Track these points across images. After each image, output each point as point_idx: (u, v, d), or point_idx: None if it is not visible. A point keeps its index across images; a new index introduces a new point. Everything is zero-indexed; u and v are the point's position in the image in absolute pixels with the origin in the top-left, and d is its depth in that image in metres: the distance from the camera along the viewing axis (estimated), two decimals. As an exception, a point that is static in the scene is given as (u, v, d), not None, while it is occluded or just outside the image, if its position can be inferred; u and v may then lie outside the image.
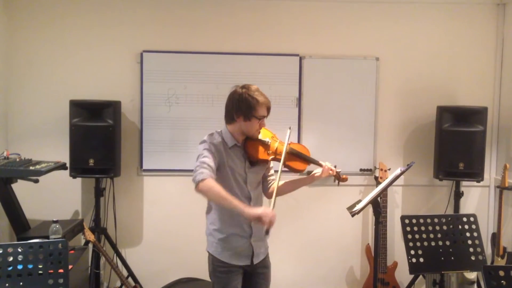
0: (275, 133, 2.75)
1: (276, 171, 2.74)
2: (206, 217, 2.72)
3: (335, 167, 2.73)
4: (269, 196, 2.78)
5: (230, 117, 2.60)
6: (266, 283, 2.76)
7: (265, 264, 2.74)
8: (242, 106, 2.52)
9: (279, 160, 2.63)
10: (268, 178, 2.80)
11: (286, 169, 2.69)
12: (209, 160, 2.47)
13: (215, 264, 2.63)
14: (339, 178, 2.76)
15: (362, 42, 4.19)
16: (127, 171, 4.08)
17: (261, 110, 2.54)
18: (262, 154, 2.63)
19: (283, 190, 2.77)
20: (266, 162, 2.69)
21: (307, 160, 2.72)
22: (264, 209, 2.36)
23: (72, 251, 3.29)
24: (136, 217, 4.17)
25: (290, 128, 2.71)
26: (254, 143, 2.64)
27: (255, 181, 2.68)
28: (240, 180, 2.60)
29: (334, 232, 4.25)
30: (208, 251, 2.69)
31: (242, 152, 2.63)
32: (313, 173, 2.74)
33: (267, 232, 2.40)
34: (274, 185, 2.65)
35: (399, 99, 4.24)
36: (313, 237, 4.26)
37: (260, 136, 2.66)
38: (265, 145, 2.65)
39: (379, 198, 2.74)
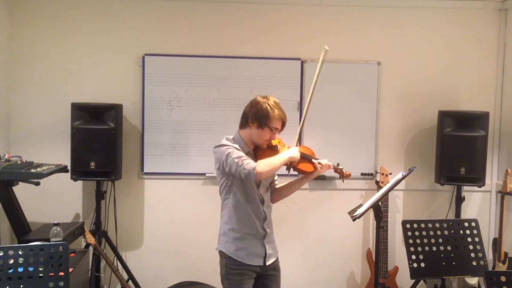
0: (281, 139, 2.81)
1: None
2: (220, 215, 2.76)
3: (337, 164, 2.83)
4: (273, 200, 2.87)
5: (245, 121, 2.68)
6: (276, 286, 2.80)
7: (275, 267, 2.79)
8: (259, 113, 2.61)
9: (290, 165, 2.70)
10: (273, 184, 2.87)
11: (295, 172, 2.77)
12: (238, 153, 2.56)
13: (228, 266, 2.66)
14: (342, 174, 2.84)
15: (363, 47, 4.19)
16: (128, 174, 4.08)
17: (276, 122, 2.62)
18: None
19: (286, 191, 2.86)
20: None
21: (314, 161, 2.77)
22: (298, 150, 2.65)
23: (72, 254, 3.30)
24: (137, 220, 4.17)
25: (326, 49, 2.79)
26: (264, 150, 2.72)
27: (265, 186, 2.77)
28: (253, 185, 2.68)
29: (335, 237, 4.25)
30: (221, 251, 2.71)
31: (254, 159, 2.68)
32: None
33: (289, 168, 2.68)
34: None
35: (401, 103, 4.24)
36: (314, 241, 4.26)
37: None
38: (275, 151, 2.71)
39: (380, 202, 2.73)
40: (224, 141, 2.66)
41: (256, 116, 2.61)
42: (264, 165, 2.50)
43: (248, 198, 2.66)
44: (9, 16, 4.00)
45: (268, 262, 2.71)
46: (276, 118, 2.61)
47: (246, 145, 2.68)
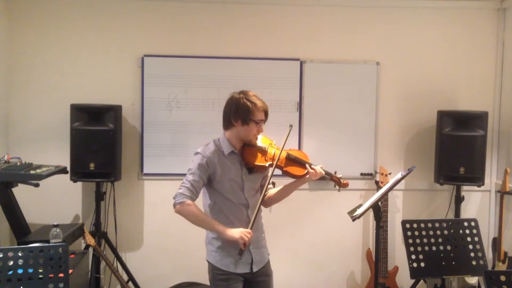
0: (274, 140, 2.76)
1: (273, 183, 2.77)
2: None
3: (335, 173, 2.76)
4: (265, 205, 2.80)
5: (228, 122, 2.60)
6: None
7: (266, 272, 2.72)
8: (240, 111, 2.53)
9: (276, 166, 2.62)
10: (264, 187, 2.74)
11: (285, 175, 2.70)
12: (195, 179, 2.52)
13: (214, 272, 2.62)
14: (339, 184, 2.77)
15: (362, 47, 4.19)
16: (128, 175, 4.08)
17: (259, 114, 2.54)
18: (259, 159, 2.63)
19: (277, 196, 2.78)
20: (263, 168, 2.67)
21: (306, 165, 2.70)
22: (241, 233, 2.47)
23: (72, 255, 3.29)
24: (136, 221, 4.17)
25: (291, 126, 2.69)
26: (251, 149, 2.65)
27: (252, 189, 2.67)
28: (236, 187, 2.60)
29: (335, 237, 4.25)
30: (207, 260, 2.68)
31: (239, 159, 2.63)
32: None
33: (240, 253, 2.49)
34: (260, 198, 2.64)
35: (400, 103, 4.24)
36: (314, 241, 4.26)
37: (258, 143, 2.67)
38: (263, 151, 2.65)
39: (380, 202, 2.73)
40: (200, 149, 2.61)
41: (238, 114, 2.53)
42: (187, 211, 2.48)
43: (228, 204, 2.59)
44: (8, 17, 4.00)
45: (255, 269, 2.64)
46: (259, 110, 2.53)
47: (231, 145, 2.60)
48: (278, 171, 2.67)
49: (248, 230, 2.50)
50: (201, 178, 2.53)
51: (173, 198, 2.52)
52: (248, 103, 2.52)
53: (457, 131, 3.90)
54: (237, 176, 2.60)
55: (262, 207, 2.71)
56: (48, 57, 4.04)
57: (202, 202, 2.70)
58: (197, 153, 2.61)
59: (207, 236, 2.70)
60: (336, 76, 4.16)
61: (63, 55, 4.05)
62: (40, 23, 4.03)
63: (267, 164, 2.63)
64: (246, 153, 2.64)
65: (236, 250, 2.53)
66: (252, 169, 2.65)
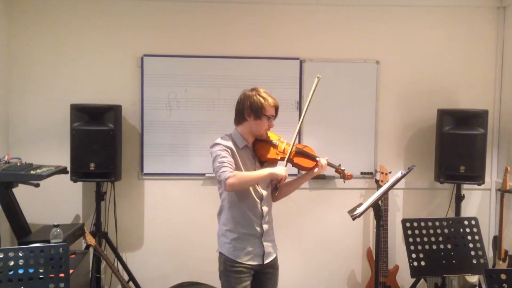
0: (281, 136, 2.87)
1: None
2: (218, 218, 2.80)
3: (339, 165, 2.87)
4: (275, 198, 2.88)
5: (241, 117, 2.73)
6: (273, 284, 2.83)
7: (274, 265, 2.81)
8: (253, 106, 2.67)
9: (287, 160, 2.75)
10: (274, 181, 2.85)
11: (295, 167, 2.83)
12: (227, 159, 2.60)
13: (226, 263, 2.69)
14: (343, 175, 2.87)
15: (362, 46, 4.19)
16: (128, 175, 4.08)
17: (270, 109, 2.69)
18: (271, 153, 2.77)
19: (287, 189, 2.89)
20: (275, 161, 2.82)
21: (314, 158, 2.82)
22: (285, 170, 2.66)
23: (73, 255, 3.30)
24: (137, 221, 4.17)
25: (318, 77, 2.81)
26: (263, 144, 2.79)
27: (265, 182, 2.78)
28: None
29: (335, 236, 4.25)
30: (220, 252, 2.74)
31: (252, 153, 2.76)
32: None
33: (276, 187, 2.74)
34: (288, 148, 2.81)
35: (400, 102, 4.24)
36: (315, 240, 4.26)
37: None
38: (274, 145, 2.79)
39: (380, 201, 2.74)
40: (218, 140, 2.70)
41: (252, 109, 2.67)
42: (237, 178, 2.52)
43: (244, 196, 2.68)
44: (7, 17, 4.00)
45: (267, 261, 2.74)
46: (271, 106, 2.68)
47: (243, 139, 2.73)
48: (288, 165, 2.76)
49: (285, 167, 2.68)
50: (230, 157, 2.62)
51: (218, 179, 2.57)
52: (261, 99, 2.67)
53: (457, 130, 3.89)
54: (251, 169, 2.72)
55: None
56: (48, 57, 4.04)
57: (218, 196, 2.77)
58: (216, 144, 2.68)
59: (220, 228, 2.77)
60: (336, 75, 4.16)
61: (63, 55, 4.05)
62: (40, 23, 4.03)
63: (278, 158, 2.77)
64: (258, 147, 2.78)
65: (249, 242, 2.68)
66: (263, 163, 2.80)
